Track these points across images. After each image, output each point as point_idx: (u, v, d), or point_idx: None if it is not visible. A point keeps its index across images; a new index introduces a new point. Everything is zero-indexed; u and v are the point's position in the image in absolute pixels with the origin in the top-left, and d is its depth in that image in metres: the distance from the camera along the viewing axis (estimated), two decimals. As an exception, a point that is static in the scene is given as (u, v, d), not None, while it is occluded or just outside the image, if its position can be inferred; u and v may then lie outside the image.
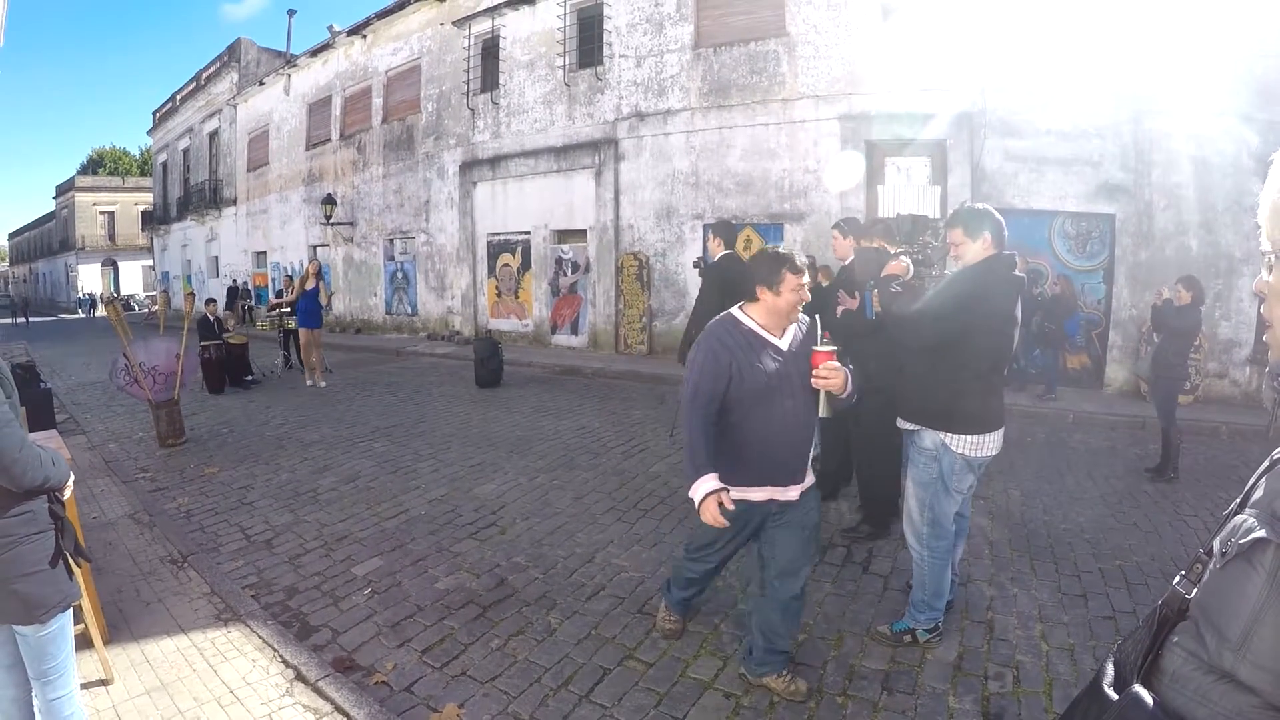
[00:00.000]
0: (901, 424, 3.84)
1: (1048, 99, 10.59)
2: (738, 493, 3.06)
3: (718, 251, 6.48)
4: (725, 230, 6.59)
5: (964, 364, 3.56)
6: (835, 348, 3.07)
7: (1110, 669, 1.27)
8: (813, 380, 3.04)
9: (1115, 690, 1.21)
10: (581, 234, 16.43)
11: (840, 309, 5.00)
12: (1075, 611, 4.05)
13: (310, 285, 12.67)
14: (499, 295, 18.57)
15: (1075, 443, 7.94)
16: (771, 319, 3.16)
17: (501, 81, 17.74)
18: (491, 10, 17.56)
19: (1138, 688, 1.15)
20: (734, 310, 3.27)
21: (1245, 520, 1.08)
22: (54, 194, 62.85)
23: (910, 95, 11.50)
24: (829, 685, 3.41)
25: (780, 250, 3.17)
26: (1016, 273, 3.68)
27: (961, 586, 4.29)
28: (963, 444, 3.55)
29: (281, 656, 3.77)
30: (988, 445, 3.58)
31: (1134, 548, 5.03)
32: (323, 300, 12.99)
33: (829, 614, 4.08)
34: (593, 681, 3.52)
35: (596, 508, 6.03)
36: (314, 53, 24.58)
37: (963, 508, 3.91)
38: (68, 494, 2.52)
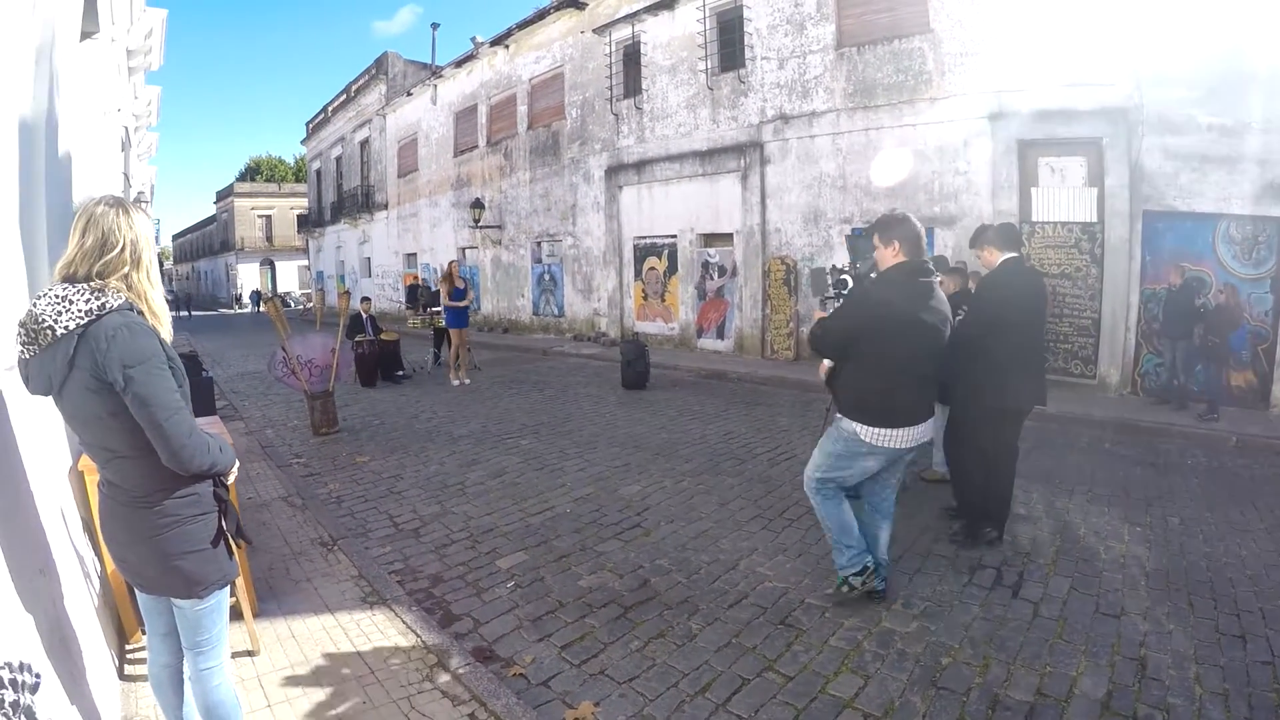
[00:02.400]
0: (838, 415, 4.29)
1: (1208, 92, 9.84)
2: None
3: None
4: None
5: (862, 366, 4.10)
6: None
7: None
8: None
9: None
10: (728, 237, 16.36)
11: None
12: (1233, 654, 3.77)
13: (459, 285, 13.17)
14: (645, 298, 18.69)
15: (1238, 468, 7.36)
16: None
17: (644, 86, 17.91)
18: (631, 17, 17.75)
19: None
20: None
21: None
22: (214, 199, 67.36)
23: (1062, 91, 10.97)
24: (971, 713, 3.31)
25: None
26: (923, 279, 4.07)
27: (1114, 619, 4.13)
28: (870, 434, 4.05)
29: (423, 642, 3.93)
30: (897, 438, 4.04)
31: (1301, 586, 4.65)
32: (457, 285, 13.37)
33: (975, 638, 3.95)
34: (730, 690, 3.53)
35: (741, 514, 6.01)
36: (458, 63, 25.40)
37: (886, 496, 4.44)
38: (231, 479, 2.63)
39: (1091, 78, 10.68)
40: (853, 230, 13.54)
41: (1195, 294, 9.60)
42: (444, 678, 3.62)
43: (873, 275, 4.36)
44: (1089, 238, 11.02)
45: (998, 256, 5.18)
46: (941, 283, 6.98)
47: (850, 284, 4.60)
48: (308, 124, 42.55)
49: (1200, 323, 9.41)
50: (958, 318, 5.34)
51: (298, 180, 63.26)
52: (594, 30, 18.93)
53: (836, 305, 4.55)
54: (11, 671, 0.93)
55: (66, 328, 2.14)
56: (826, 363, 6.02)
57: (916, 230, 4.09)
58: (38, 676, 0.96)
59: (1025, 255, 11.12)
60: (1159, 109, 10.22)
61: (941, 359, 4.25)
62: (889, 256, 4.12)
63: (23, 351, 2.21)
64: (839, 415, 4.26)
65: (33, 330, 2.16)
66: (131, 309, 2.26)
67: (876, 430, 4.04)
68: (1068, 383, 11.24)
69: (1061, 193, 11.37)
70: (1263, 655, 3.76)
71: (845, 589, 4.30)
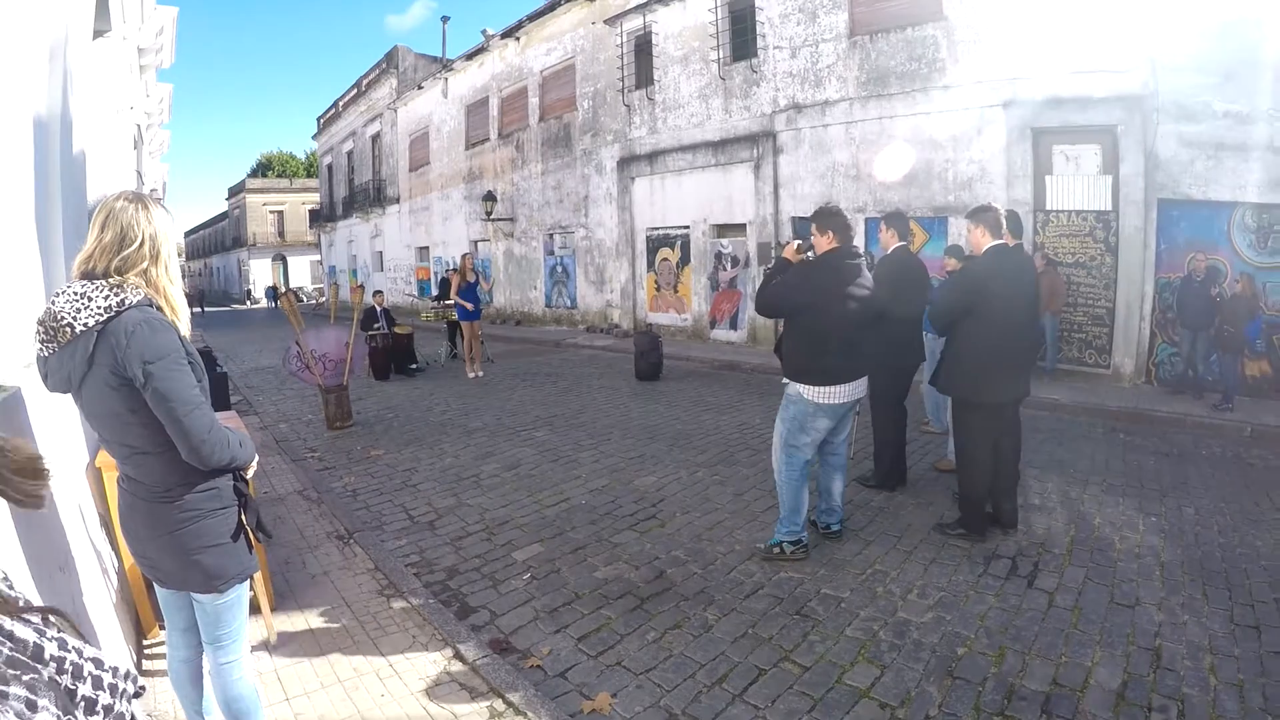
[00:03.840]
0: (785, 380, 4.98)
1: (1224, 78, 9.73)
2: None
3: (891, 244, 6.36)
4: (898, 221, 6.44)
5: (803, 332, 4.81)
6: None
7: None
8: None
9: None
10: (741, 228, 16.30)
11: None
12: (1247, 645, 3.75)
13: (470, 279, 13.24)
14: (658, 289, 18.68)
15: (1253, 458, 7.30)
16: None
17: (656, 77, 17.88)
18: (642, 7, 17.74)
19: None
20: None
21: None
22: (226, 195, 67.54)
23: (1076, 77, 10.88)
24: (986, 704, 3.32)
25: None
26: (851, 262, 4.85)
27: (1129, 610, 4.13)
28: (811, 392, 4.78)
29: (441, 634, 3.96)
30: (835, 395, 4.76)
31: (1315, 578, 4.59)
32: (484, 290, 13.49)
33: (991, 628, 3.96)
34: (747, 681, 3.54)
35: (757, 505, 6.02)
36: (469, 56, 25.49)
37: (838, 448, 5.14)
38: (251, 473, 2.64)
39: (1106, 64, 10.61)
40: (865, 219, 13.51)
41: (1210, 284, 9.50)
42: (461, 670, 3.65)
43: (810, 255, 4.96)
44: (1103, 226, 10.96)
45: (986, 241, 5.18)
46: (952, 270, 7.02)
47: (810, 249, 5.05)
48: (319, 119, 42.74)
49: (1216, 313, 9.31)
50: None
51: (309, 175, 63.51)
52: (605, 21, 18.92)
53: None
54: (114, 677, 0.94)
55: (86, 324, 2.13)
56: None
57: (847, 221, 4.92)
58: (141, 687, 0.97)
59: (1040, 245, 11.11)
60: (1174, 96, 10.14)
61: (865, 328, 4.92)
62: (824, 243, 4.88)
63: (41, 349, 2.20)
64: (785, 380, 4.96)
65: (51, 328, 2.15)
66: (150, 305, 2.26)
67: (816, 389, 4.76)
68: (1082, 372, 11.21)
69: (1076, 181, 11.31)
70: (1277, 646, 3.75)
71: (776, 550, 4.96)
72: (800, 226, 14.28)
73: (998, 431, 5.23)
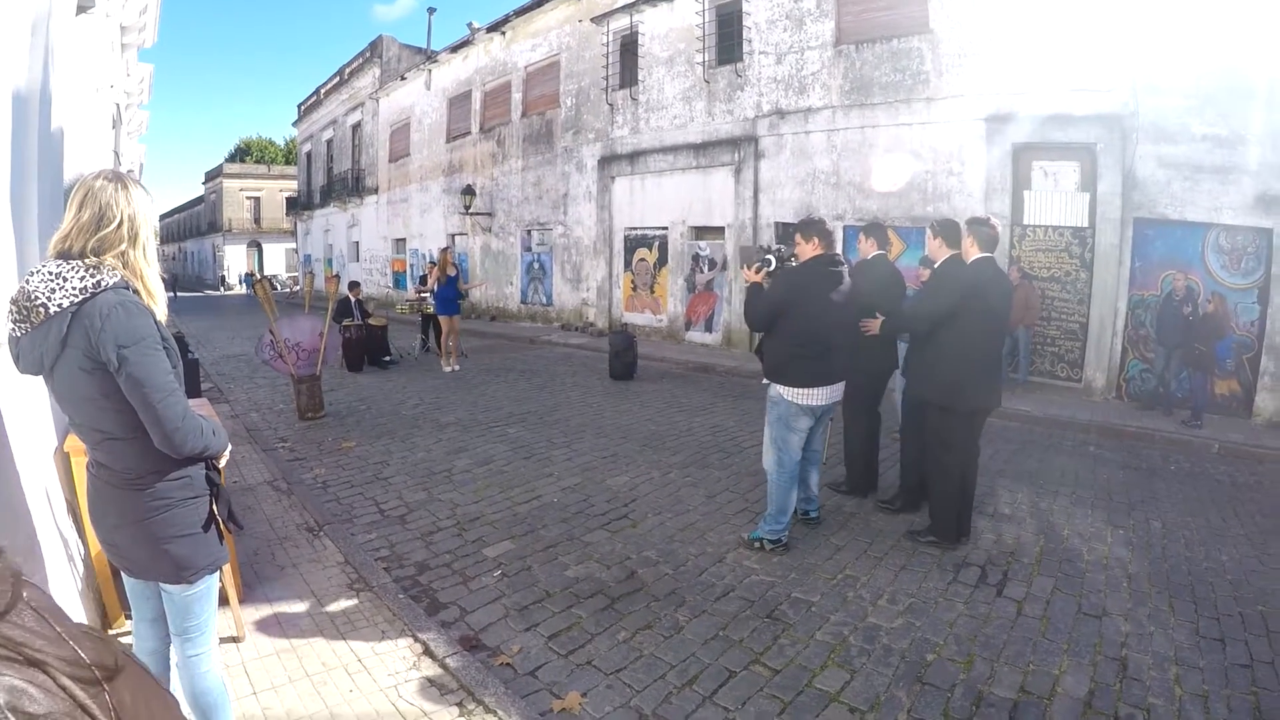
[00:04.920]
0: (765, 381, 5.13)
1: (1203, 102, 9.87)
2: None
3: (870, 251, 6.43)
4: (878, 231, 6.54)
5: (783, 334, 4.95)
6: None
7: None
8: None
9: None
10: (719, 231, 16.30)
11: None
12: (1212, 656, 3.81)
13: (451, 273, 13.17)
14: (634, 289, 18.64)
15: (1220, 475, 7.42)
16: None
17: (640, 77, 17.84)
18: (629, 7, 17.66)
19: None
20: None
21: None
22: (203, 179, 66.83)
23: (1058, 95, 11.01)
24: (955, 710, 3.34)
25: None
26: (834, 269, 5.03)
27: (1096, 620, 4.18)
28: (792, 394, 4.94)
29: (410, 630, 3.92)
30: (814, 396, 4.93)
31: (1278, 593, 4.68)
32: (462, 289, 13.49)
33: (960, 635, 3.98)
34: (717, 683, 3.54)
35: (729, 508, 6.03)
36: (454, 49, 25.30)
37: (815, 443, 5.38)
38: (223, 462, 2.59)
39: (1088, 83, 10.72)
40: (844, 227, 13.57)
41: (1184, 303, 9.60)
42: (431, 666, 3.63)
43: (792, 261, 5.19)
44: (1079, 242, 11.08)
45: (975, 253, 5.20)
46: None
47: (772, 262, 5.22)
48: (299, 106, 42.25)
49: (1189, 331, 9.43)
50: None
51: (288, 162, 62.98)
52: (592, 19, 18.85)
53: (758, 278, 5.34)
54: None
55: (60, 305, 2.08)
56: None
57: (829, 230, 5.17)
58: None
59: (1015, 259, 11.20)
60: (1154, 117, 10.27)
61: (845, 333, 5.14)
62: (809, 250, 5.08)
63: (14, 329, 2.15)
64: (765, 381, 5.13)
65: (25, 307, 2.10)
66: (127, 287, 2.21)
67: (796, 390, 4.92)
68: (1053, 385, 11.32)
69: (1054, 197, 11.43)
70: (1241, 659, 3.81)
71: (757, 545, 5.14)
72: (783, 234, 14.32)
73: (972, 439, 5.27)
